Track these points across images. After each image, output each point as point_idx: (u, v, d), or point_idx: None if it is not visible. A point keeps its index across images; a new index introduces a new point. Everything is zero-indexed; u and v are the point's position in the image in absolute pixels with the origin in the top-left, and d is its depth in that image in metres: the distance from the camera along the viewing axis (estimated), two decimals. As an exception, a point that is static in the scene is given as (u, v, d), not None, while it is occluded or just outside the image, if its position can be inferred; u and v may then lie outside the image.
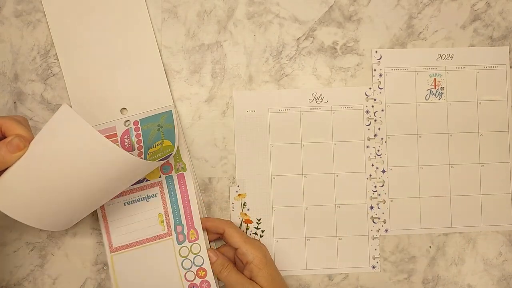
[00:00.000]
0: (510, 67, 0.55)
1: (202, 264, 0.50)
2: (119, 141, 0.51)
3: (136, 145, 0.51)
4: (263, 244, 0.51)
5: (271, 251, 0.53)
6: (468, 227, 0.55)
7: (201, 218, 0.51)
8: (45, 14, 0.53)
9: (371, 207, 0.54)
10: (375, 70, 0.55)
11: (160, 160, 0.45)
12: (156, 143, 0.50)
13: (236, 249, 0.49)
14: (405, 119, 0.55)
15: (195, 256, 0.50)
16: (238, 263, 0.51)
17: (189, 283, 0.50)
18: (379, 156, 0.55)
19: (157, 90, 0.53)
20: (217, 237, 0.52)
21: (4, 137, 0.39)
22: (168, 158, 0.48)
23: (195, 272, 0.50)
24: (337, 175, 0.54)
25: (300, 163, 0.54)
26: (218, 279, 0.50)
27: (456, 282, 0.54)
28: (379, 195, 0.54)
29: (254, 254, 0.48)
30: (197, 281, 0.50)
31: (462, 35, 0.55)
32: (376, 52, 0.55)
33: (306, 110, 0.54)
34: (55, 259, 0.53)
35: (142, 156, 0.50)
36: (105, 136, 0.44)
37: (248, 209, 0.54)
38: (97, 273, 0.53)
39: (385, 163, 0.55)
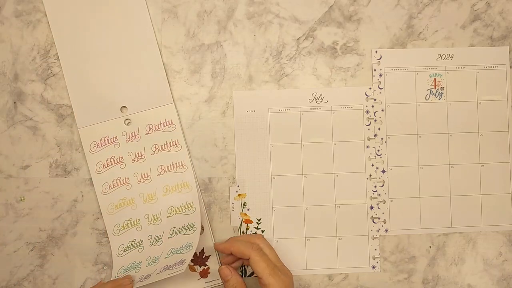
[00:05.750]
0: (510, 67, 0.55)
1: None
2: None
3: None
4: (288, 274, 0.48)
5: (271, 251, 0.53)
6: (468, 227, 0.55)
7: (226, 241, 0.50)
8: (45, 14, 0.53)
9: (371, 207, 0.54)
10: (375, 70, 0.55)
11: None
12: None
13: (259, 278, 0.47)
14: (405, 119, 0.55)
15: None
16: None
17: None
18: (379, 156, 0.55)
19: (157, 88, 0.53)
20: (242, 262, 0.51)
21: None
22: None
23: None
24: (337, 175, 0.54)
25: (300, 163, 0.54)
26: None
27: (456, 282, 0.54)
28: (379, 195, 0.54)
29: None
30: None
31: (462, 35, 0.55)
32: (376, 52, 0.55)
33: (306, 110, 0.54)
34: (55, 259, 0.53)
35: None
36: None
37: (248, 209, 0.54)
38: (97, 273, 0.53)
39: (385, 163, 0.55)
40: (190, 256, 0.48)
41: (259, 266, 0.46)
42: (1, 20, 0.53)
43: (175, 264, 0.48)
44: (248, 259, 0.47)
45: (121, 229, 0.52)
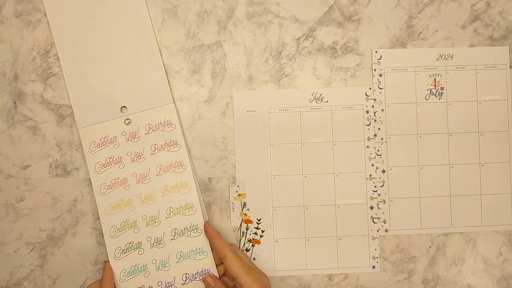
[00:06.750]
0: (510, 67, 0.55)
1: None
2: None
3: None
4: (264, 275, 0.49)
5: (271, 251, 0.53)
6: (468, 227, 0.55)
7: (214, 231, 0.51)
8: (45, 14, 0.53)
9: (371, 207, 0.54)
10: (375, 70, 0.55)
11: None
12: None
13: (235, 278, 0.48)
14: (405, 119, 0.55)
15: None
16: None
17: None
18: (379, 156, 0.55)
19: (157, 89, 0.53)
20: (220, 262, 0.51)
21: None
22: None
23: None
24: (337, 175, 0.54)
25: (300, 163, 0.54)
26: None
27: (456, 282, 0.54)
28: (379, 195, 0.54)
29: (251, 287, 0.47)
30: None
31: (462, 35, 0.55)
32: (376, 52, 0.55)
33: (306, 110, 0.54)
34: (55, 259, 0.53)
35: None
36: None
37: (248, 209, 0.54)
38: (97, 273, 0.53)
39: (385, 163, 0.55)
40: (211, 264, 0.51)
41: (235, 265, 0.48)
42: (1, 20, 0.53)
43: (197, 274, 0.51)
44: (224, 258, 0.48)
45: (118, 231, 0.51)
